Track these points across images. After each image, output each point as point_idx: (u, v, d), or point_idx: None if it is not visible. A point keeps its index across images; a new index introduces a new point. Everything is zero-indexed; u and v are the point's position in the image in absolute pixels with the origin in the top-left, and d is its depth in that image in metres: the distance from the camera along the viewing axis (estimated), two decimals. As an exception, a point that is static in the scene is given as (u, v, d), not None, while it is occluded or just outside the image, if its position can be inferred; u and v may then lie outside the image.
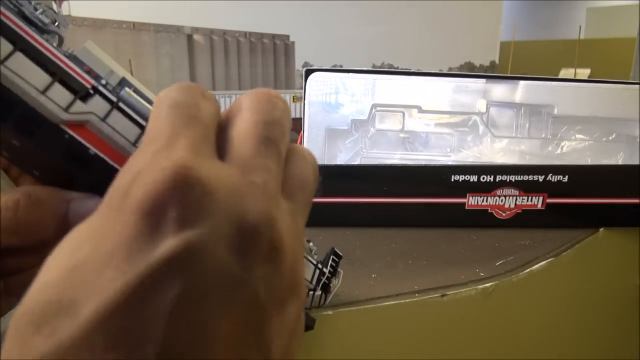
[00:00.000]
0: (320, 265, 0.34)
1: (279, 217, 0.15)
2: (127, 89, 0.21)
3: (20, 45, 0.18)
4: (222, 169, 0.15)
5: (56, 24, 0.20)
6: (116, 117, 0.21)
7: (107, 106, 0.20)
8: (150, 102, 0.22)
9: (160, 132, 0.16)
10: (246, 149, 0.16)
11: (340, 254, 0.38)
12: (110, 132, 0.20)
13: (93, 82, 0.20)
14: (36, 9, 0.19)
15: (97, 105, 0.20)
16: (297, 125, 0.62)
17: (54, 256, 0.14)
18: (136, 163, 0.15)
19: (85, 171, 0.20)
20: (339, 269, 0.37)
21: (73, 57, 0.20)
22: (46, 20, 0.19)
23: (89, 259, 0.14)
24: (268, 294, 0.15)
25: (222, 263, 0.14)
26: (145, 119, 0.21)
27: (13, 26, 0.18)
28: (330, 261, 0.36)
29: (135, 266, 0.13)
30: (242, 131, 0.17)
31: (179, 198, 0.14)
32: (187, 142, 0.15)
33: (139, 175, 0.14)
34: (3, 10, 0.17)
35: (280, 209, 0.16)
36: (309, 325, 0.33)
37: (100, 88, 0.20)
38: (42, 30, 0.19)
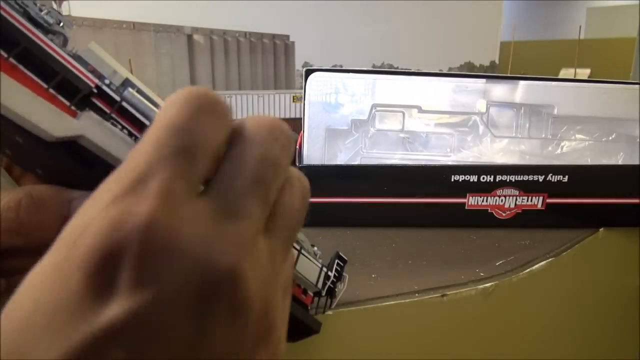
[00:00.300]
0: (325, 269, 0.34)
1: (249, 269, 0.14)
2: (130, 89, 0.22)
3: (25, 44, 0.18)
4: (193, 215, 0.14)
5: (60, 24, 0.20)
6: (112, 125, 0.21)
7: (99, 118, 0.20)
8: (153, 102, 0.22)
9: (132, 169, 0.14)
10: (232, 189, 0.15)
11: (345, 258, 0.38)
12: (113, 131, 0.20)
13: (97, 81, 0.20)
14: (41, 10, 0.19)
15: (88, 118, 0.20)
16: (297, 125, 0.62)
17: (7, 308, 0.13)
18: (93, 206, 0.13)
19: (89, 169, 0.20)
20: (344, 274, 0.37)
21: (77, 57, 0.20)
22: (51, 21, 0.20)
23: (30, 320, 0.12)
24: (230, 350, 0.14)
25: (174, 329, 0.13)
26: (148, 118, 0.21)
27: (19, 26, 0.18)
28: (335, 265, 0.36)
29: (75, 332, 0.12)
30: (234, 167, 0.16)
31: (132, 257, 0.12)
32: (158, 186, 0.13)
33: (90, 226, 0.13)
34: (9, 10, 0.18)
35: (253, 256, 0.15)
36: (315, 330, 0.33)
37: (104, 87, 0.21)
38: (46, 30, 0.20)
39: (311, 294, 0.33)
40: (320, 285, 0.33)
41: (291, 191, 0.17)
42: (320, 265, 0.34)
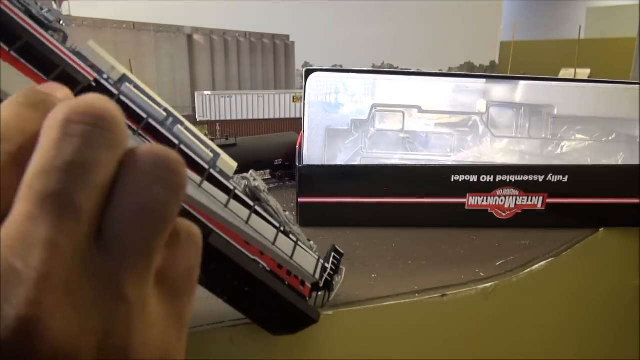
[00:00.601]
0: (322, 261, 0.34)
1: (51, 313, 0.12)
2: (127, 84, 0.23)
3: (27, 38, 0.20)
4: None
5: (61, 22, 0.22)
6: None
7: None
8: (150, 97, 0.23)
9: None
10: (16, 216, 0.12)
11: (342, 251, 0.38)
12: None
13: (95, 75, 0.22)
14: (42, 9, 0.21)
15: None
16: (297, 125, 0.62)
17: None
18: None
19: None
20: (340, 266, 0.37)
21: (77, 53, 0.22)
22: (51, 18, 0.21)
23: None
24: None
25: None
26: (145, 112, 0.23)
27: (21, 22, 0.20)
28: (331, 258, 0.36)
29: None
30: (22, 186, 0.13)
31: None
32: None
33: None
34: (12, 7, 0.19)
35: (60, 296, 0.12)
36: (314, 319, 0.33)
37: (102, 81, 0.22)
38: (47, 27, 0.21)
39: (309, 285, 0.33)
40: (317, 276, 0.33)
41: (140, 188, 0.14)
42: (316, 257, 0.34)
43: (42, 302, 0.12)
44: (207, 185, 0.25)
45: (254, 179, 0.31)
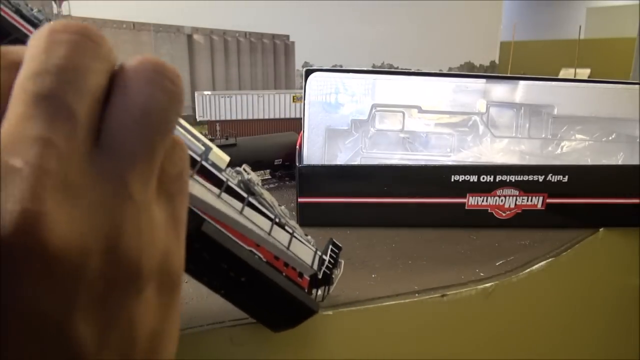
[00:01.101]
0: (319, 253, 0.34)
1: (54, 209, 0.12)
2: None
3: (16, 35, 0.20)
4: None
5: (50, 21, 0.22)
6: None
7: None
8: None
9: None
10: (10, 118, 0.12)
11: (340, 244, 0.38)
12: None
13: None
14: (32, 9, 0.21)
15: None
16: (297, 125, 0.62)
17: None
18: None
19: None
20: (339, 259, 0.37)
21: None
22: (41, 17, 0.22)
23: None
24: (58, 306, 0.12)
25: None
26: None
27: (10, 19, 0.20)
28: (329, 251, 0.36)
29: None
30: (14, 90, 0.13)
31: None
32: None
33: None
34: (3, 7, 0.20)
35: (62, 194, 0.12)
36: (314, 310, 0.33)
37: None
38: (36, 26, 0.22)
39: (307, 277, 0.33)
40: (315, 267, 0.33)
41: (134, 98, 0.14)
42: (314, 249, 0.34)
43: (45, 197, 0.12)
44: (198, 177, 0.25)
45: (247, 173, 0.31)
